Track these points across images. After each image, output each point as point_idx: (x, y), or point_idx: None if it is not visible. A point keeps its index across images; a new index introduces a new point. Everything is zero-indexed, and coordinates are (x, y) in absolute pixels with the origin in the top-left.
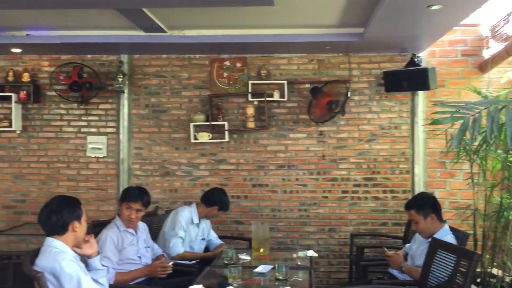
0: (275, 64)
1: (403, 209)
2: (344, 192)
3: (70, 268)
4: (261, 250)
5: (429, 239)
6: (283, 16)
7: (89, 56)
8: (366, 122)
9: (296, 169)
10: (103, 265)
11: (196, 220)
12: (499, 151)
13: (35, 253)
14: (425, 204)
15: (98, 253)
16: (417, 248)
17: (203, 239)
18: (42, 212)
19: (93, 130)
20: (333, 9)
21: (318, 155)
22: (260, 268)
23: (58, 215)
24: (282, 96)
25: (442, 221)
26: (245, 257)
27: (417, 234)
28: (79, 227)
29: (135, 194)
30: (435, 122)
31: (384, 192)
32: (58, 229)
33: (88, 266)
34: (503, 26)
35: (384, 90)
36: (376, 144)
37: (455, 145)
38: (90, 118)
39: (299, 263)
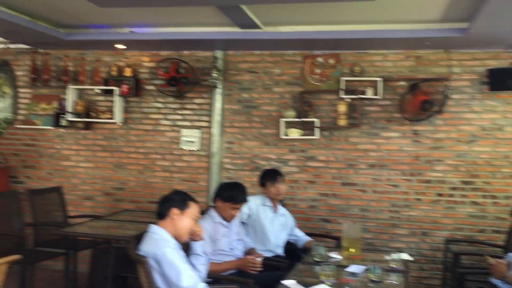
0: (369, 61)
1: (505, 215)
2: (438, 195)
3: (171, 255)
4: (352, 249)
5: None
6: (381, 11)
7: (186, 52)
8: (465, 122)
9: (388, 169)
10: (204, 253)
11: (268, 203)
12: None
13: (138, 238)
14: None
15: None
16: None
17: (284, 229)
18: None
19: (187, 123)
20: (437, 3)
21: (412, 155)
22: (352, 268)
23: (165, 202)
24: (375, 93)
25: None
26: (335, 255)
27: None
28: (179, 216)
29: (243, 198)
30: None
31: (484, 197)
32: (159, 214)
33: (190, 250)
34: None
35: (487, 89)
36: (476, 146)
37: None
38: (185, 112)
39: (393, 265)
